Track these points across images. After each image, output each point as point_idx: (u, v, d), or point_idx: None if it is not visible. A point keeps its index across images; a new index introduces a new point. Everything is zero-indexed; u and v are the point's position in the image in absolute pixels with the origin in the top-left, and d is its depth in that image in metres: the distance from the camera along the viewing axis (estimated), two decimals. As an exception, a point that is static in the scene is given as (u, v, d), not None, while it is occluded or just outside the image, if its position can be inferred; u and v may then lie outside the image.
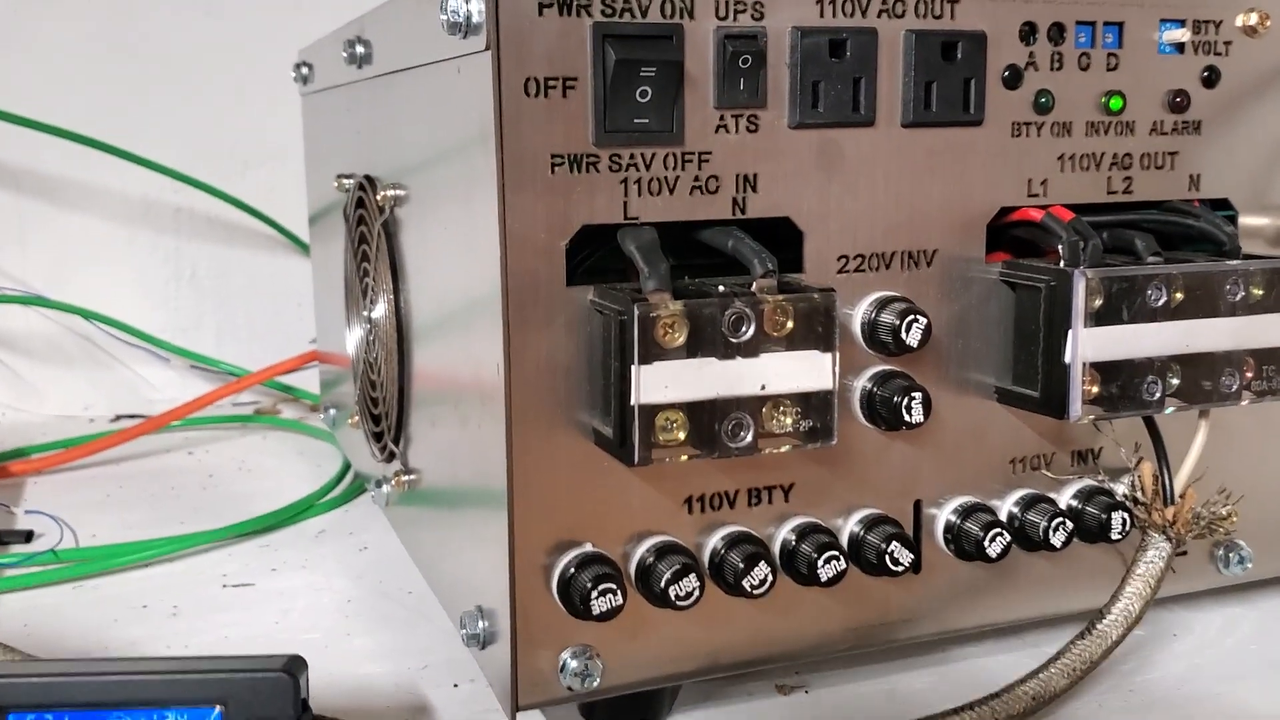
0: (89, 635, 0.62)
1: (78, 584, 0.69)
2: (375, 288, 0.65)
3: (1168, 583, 0.52)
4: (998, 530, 0.50)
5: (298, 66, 0.86)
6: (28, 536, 0.75)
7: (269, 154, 1.08)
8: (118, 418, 1.07)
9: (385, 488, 0.67)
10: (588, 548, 0.46)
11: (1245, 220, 0.56)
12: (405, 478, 0.63)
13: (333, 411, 0.87)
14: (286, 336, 1.07)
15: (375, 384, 0.68)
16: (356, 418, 0.74)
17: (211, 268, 1.10)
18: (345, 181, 0.70)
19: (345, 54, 0.65)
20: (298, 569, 0.70)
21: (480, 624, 0.49)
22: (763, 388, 0.44)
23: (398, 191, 0.59)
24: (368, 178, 0.65)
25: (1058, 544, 0.51)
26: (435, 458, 0.58)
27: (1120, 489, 0.53)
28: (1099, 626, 0.50)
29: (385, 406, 0.65)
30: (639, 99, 0.44)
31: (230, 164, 1.08)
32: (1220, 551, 0.58)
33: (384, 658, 0.58)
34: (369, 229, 0.65)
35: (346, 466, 0.87)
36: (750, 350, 0.44)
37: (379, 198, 0.60)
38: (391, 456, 0.66)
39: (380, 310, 0.64)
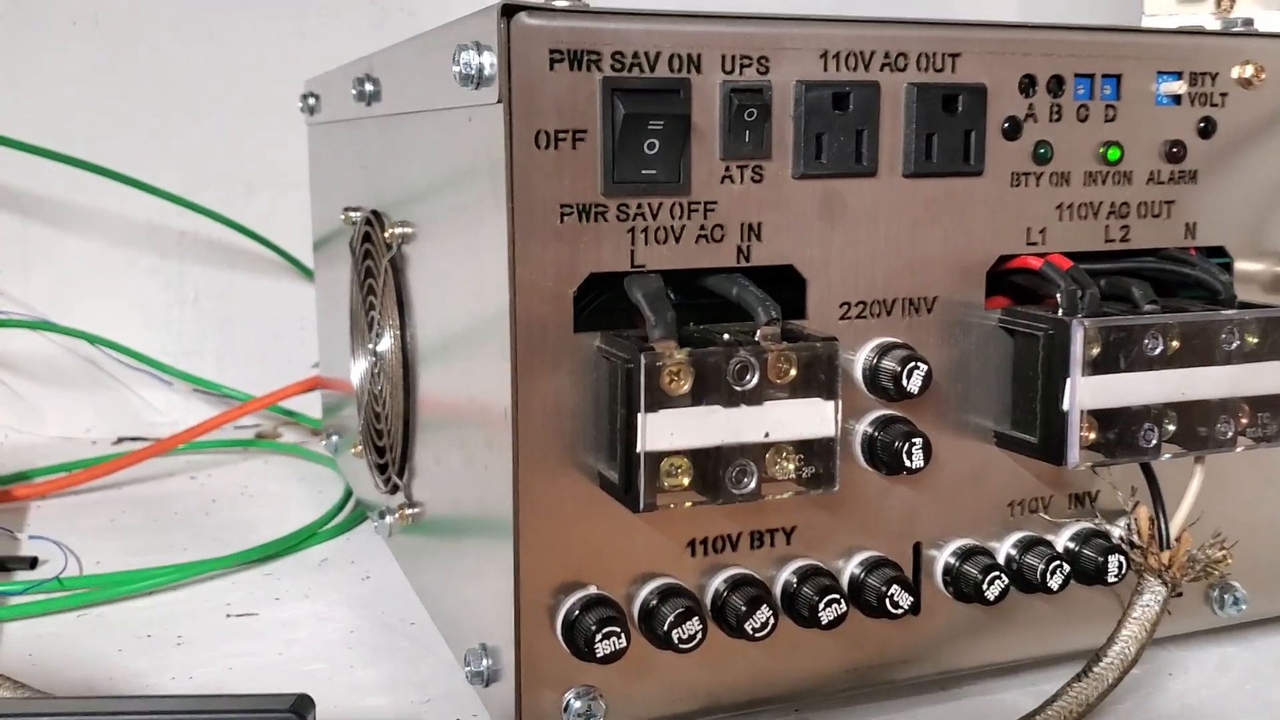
0: (94, 665, 0.62)
1: (82, 612, 0.69)
2: (381, 321, 0.66)
3: (1163, 624, 0.52)
4: (996, 573, 0.51)
5: (304, 97, 0.87)
6: (32, 563, 0.76)
7: (272, 180, 1.09)
8: (120, 440, 1.07)
9: (388, 519, 0.68)
10: (592, 590, 0.47)
11: (1241, 266, 0.57)
12: (409, 511, 0.63)
13: (335, 438, 0.88)
14: (288, 360, 1.07)
15: (380, 416, 0.68)
16: (359, 447, 0.74)
17: (214, 292, 1.11)
18: (352, 215, 0.71)
19: (354, 91, 0.66)
20: (300, 598, 0.71)
21: (484, 662, 0.50)
22: (766, 435, 0.45)
23: (405, 229, 0.60)
24: (375, 213, 0.66)
25: (1055, 586, 0.52)
26: (439, 492, 0.59)
27: (1117, 532, 0.54)
28: (1095, 669, 0.50)
29: (390, 439, 0.66)
30: (647, 151, 0.45)
31: (233, 189, 1.08)
32: (1215, 593, 0.59)
33: (387, 690, 0.59)
34: (375, 264, 0.66)
35: (348, 493, 0.87)
36: (754, 398, 0.45)
37: (387, 235, 0.61)
38: (395, 489, 0.66)
39: (386, 344, 0.65)
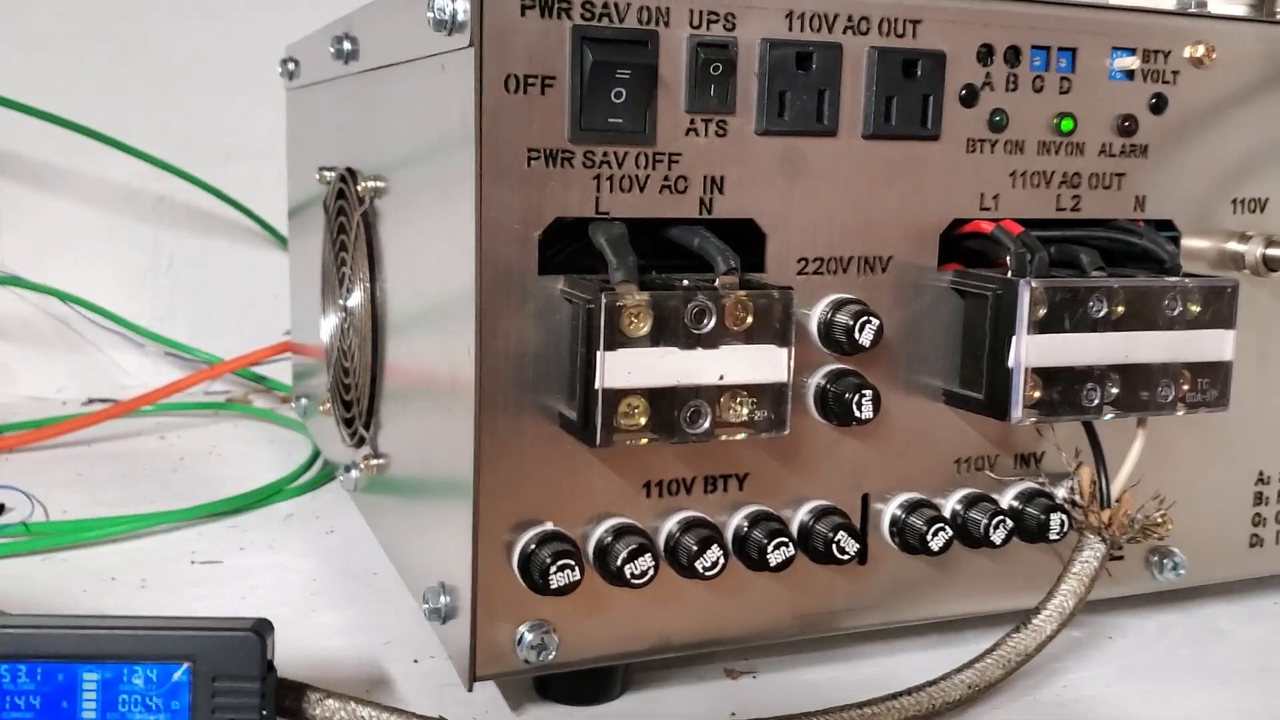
0: (58, 604, 0.63)
1: (47, 556, 0.70)
2: (352, 276, 0.67)
3: (1104, 586, 0.54)
4: (940, 525, 0.53)
5: (284, 62, 0.88)
6: (-1, 510, 0.77)
7: (251, 148, 1.10)
8: (89, 401, 1.08)
9: (354, 472, 0.69)
10: (548, 526, 0.49)
11: (1188, 243, 0.59)
12: (374, 461, 0.64)
13: (304, 401, 0.89)
14: (260, 328, 1.08)
15: (348, 370, 0.70)
16: (328, 405, 0.76)
17: (189, 258, 1.12)
18: (327, 174, 0.72)
19: (333, 50, 0.67)
20: (265, 549, 0.72)
21: (442, 599, 0.51)
22: (721, 378, 0.47)
23: (378, 183, 0.61)
24: (349, 169, 0.67)
25: (998, 541, 0.54)
26: (404, 442, 0.60)
27: (1060, 492, 0.56)
28: (1034, 621, 0.52)
29: (357, 392, 0.67)
30: (614, 100, 0.47)
31: (212, 156, 1.09)
32: (1155, 558, 0.61)
33: (347, 633, 0.60)
34: (348, 219, 0.67)
35: (316, 454, 0.88)
36: (710, 342, 0.46)
37: (359, 189, 0.62)
38: (361, 441, 0.67)
39: (356, 298, 0.66)
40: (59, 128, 1.01)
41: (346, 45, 0.66)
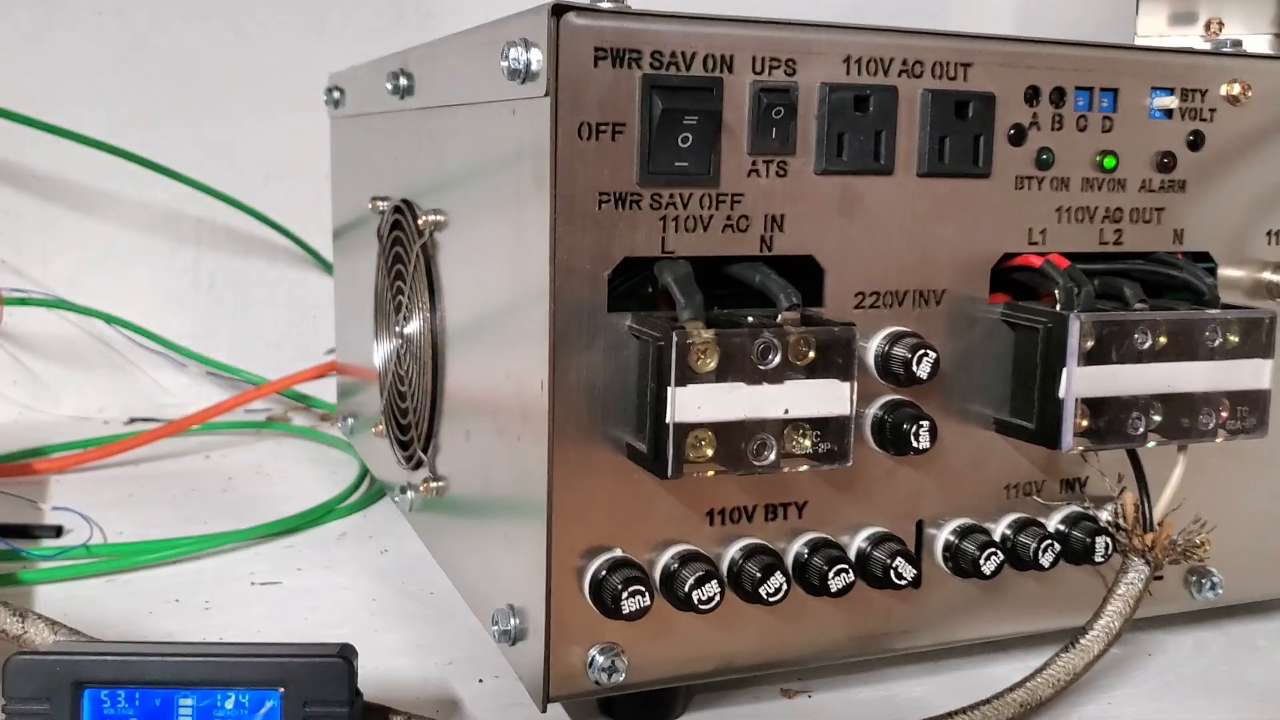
0: (127, 626, 0.65)
1: (110, 578, 0.72)
2: (410, 305, 0.69)
3: (1145, 605, 0.56)
4: (992, 550, 0.55)
5: (329, 90, 0.90)
6: (58, 531, 0.79)
7: (289, 170, 1.12)
8: (131, 420, 1.10)
9: (410, 494, 0.71)
10: (617, 552, 0.50)
11: (1224, 273, 0.61)
12: (434, 484, 0.66)
13: (350, 420, 0.91)
14: (300, 348, 1.10)
15: (404, 395, 0.71)
16: (380, 427, 0.77)
17: (229, 278, 1.14)
18: (380, 203, 0.74)
19: (389, 85, 0.69)
20: (322, 569, 0.74)
21: (512, 621, 0.53)
22: (786, 411, 0.49)
23: (438, 217, 0.63)
24: (405, 201, 0.69)
25: (1046, 564, 0.56)
26: (466, 466, 0.62)
27: (1104, 516, 0.58)
28: (1082, 641, 0.54)
29: (415, 417, 0.69)
30: (680, 144, 0.49)
31: (251, 178, 1.11)
32: (1194, 578, 0.62)
33: (411, 653, 0.62)
34: (405, 250, 0.69)
35: (364, 473, 0.90)
36: (775, 377, 0.48)
37: (420, 222, 0.64)
38: (419, 464, 0.69)
39: (414, 326, 0.68)
40: (99, 151, 1.03)
41: (403, 81, 0.68)
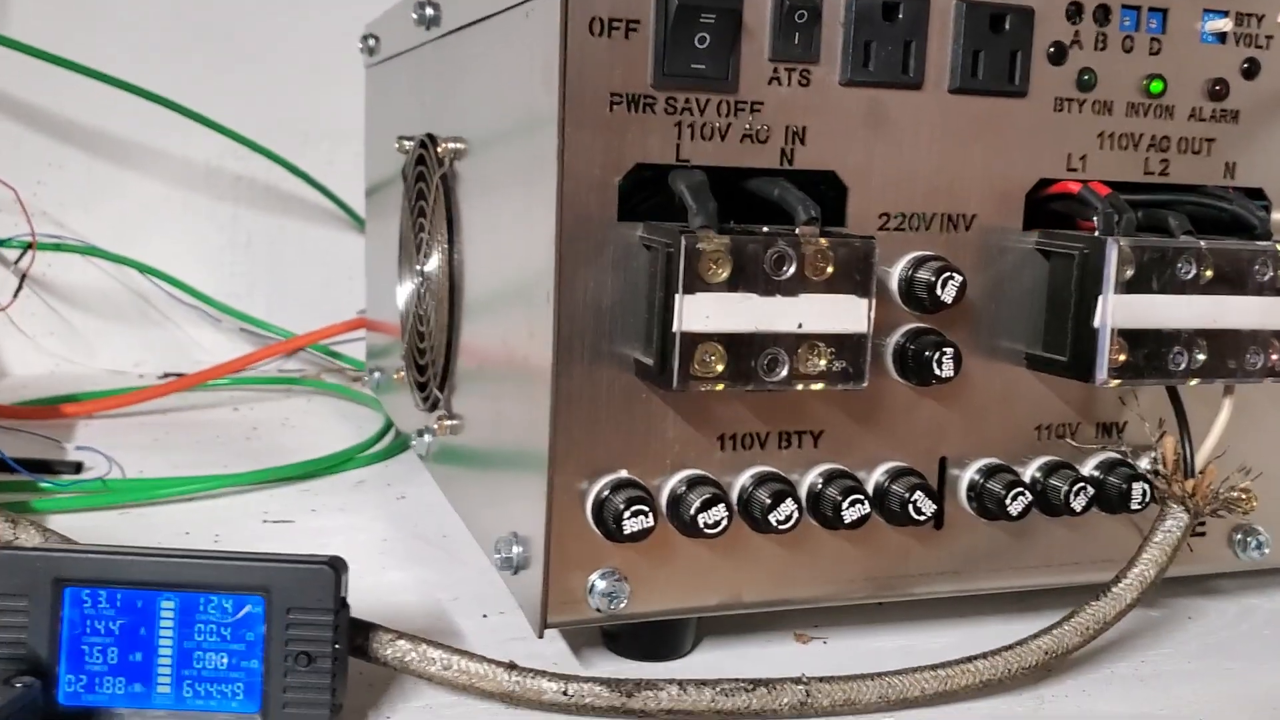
0: (134, 554, 0.64)
1: (124, 510, 0.71)
2: (430, 241, 0.68)
3: (1185, 564, 0.53)
4: (1020, 490, 0.52)
5: (364, 39, 0.89)
6: (77, 468, 0.78)
7: (328, 130, 1.12)
8: (165, 376, 1.10)
9: (427, 436, 0.69)
10: (622, 474, 0.48)
11: (1278, 215, 0.57)
12: (448, 423, 0.65)
13: (377, 375, 0.89)
14: (335, 307, 1.09)
15: (423, 335, 0.70)
16: (402, 373, 0.76)
17: (267, 236, 1.13)
18: (406, 143, 0.73)
19: (415, 15, 0.68)
20: (336, 511, 0.73)
21: (515, 549, 0.51)
22: (799, 326, 0.46)
23: (458, 145, 0.62)
24: (429, 135, 0.68)
25: (1078, 508, 0.53)
26: (479, 402, 0.60)
27: (1144, 462, 0.54)
28: (1114, 589, 0.51)
29: (432, 355, 0.67)
30: (697, 45, 0.47)
31: (290, 137, 1.11)
32: (1239, 536, 0.59)
33: (416, 589, 0.60)
34: (427, 184, 0.68)
35: (388, 426, 0.89)
36: (790, 289, 0.46)
37: (439, 150, 0.63)
38: (435, 404, 0.68)
39: (434, 263, 0.67)
40: (144, 102, 1.03)
41: (429, 10, 0.67)
